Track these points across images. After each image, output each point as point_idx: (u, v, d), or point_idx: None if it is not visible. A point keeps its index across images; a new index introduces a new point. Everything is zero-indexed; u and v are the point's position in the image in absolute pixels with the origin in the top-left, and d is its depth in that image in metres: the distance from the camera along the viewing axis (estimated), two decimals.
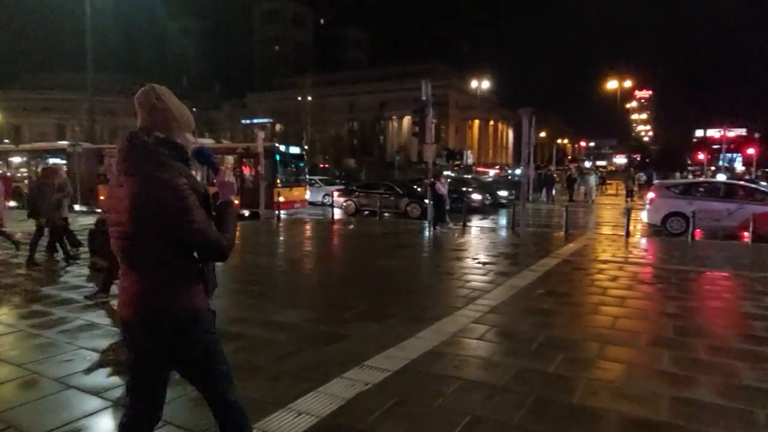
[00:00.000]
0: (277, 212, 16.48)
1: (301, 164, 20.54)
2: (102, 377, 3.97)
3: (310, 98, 60.15)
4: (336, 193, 20.86)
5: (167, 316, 2.02)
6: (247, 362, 4.24)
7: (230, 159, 19.38)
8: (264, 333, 5.03)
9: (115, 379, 3.88)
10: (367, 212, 18.92)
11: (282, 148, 18.95)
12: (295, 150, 20.23)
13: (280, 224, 15.38)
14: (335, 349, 4.58)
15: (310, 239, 12.32)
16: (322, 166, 52.99)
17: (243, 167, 18.77)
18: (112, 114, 66.26)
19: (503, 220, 17.71)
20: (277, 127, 64.06)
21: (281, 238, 13.01)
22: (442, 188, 13.80)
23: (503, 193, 23.24)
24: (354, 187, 21.32)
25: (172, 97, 2.15)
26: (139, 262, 2.03)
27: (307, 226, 15.05)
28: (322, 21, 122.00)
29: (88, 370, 4.08)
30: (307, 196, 20.24)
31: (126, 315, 2.07)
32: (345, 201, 19.81)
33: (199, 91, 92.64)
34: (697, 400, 3.59)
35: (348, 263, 9.87)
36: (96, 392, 3.66)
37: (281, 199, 17.24)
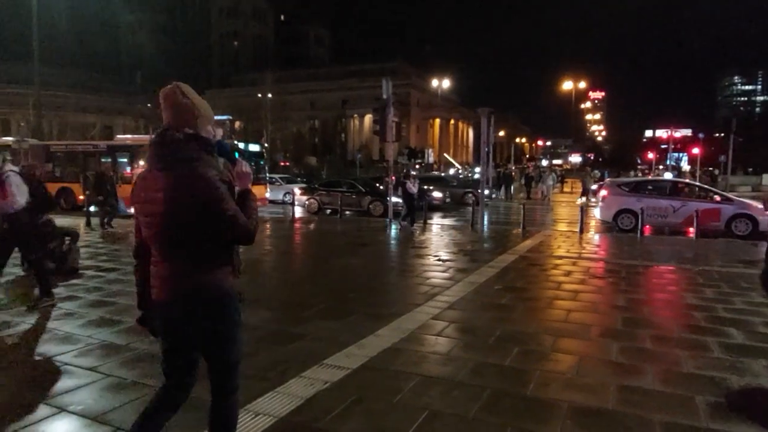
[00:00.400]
0: None
1: (262, 162, 20.26)
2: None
3: (270, 95, 59.29)
4: (298, 192, 20.68)
5: (200, 296, 2.23)
6: (202, 363, 4.15)
7: None
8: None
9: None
10: (329, 210, 18.85)
11: (241, 145, 18.65)
12: (254, 147, 19.95)
13: None
14: (293, 348, 4.55)
15: (269, 238, 12.16)
16: (282, 164, 52.35)
17: None
18: (61, 109, 63.36)
19: (463, 218, 17.98)
20: (237, 124, 62.82)
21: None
22: (413, 188, 14.04)
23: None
24: (317, 185, 21.19)
25: (194, 93, 2.30)
26: (173, 248, 2.21)
27: (267, 225, 14.84)
28: (282, 17, 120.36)
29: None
30: (268, 194, 19.97)
31: (163, 297, 2.25)
32: (308, 199, 19.67)
33: (155, 86, 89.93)
34: (642, 388, 3.76)
35: (308, 262, 9.81)
36: None
37: None
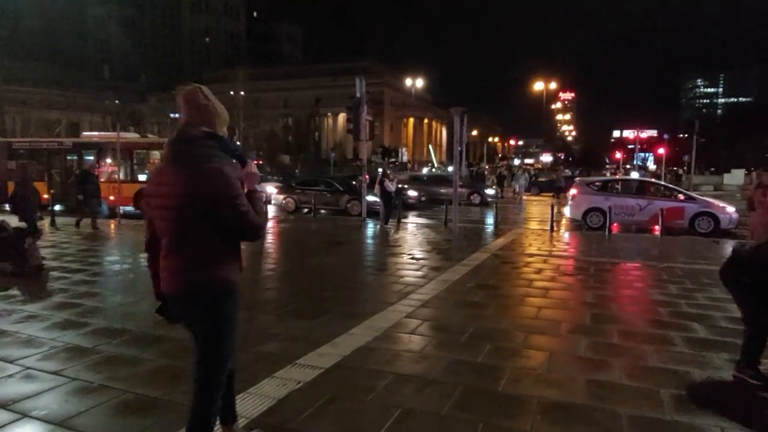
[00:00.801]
0: None
1: (234, 161, 19.96)
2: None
3: (243, 92, 58.51)
4: (274, 191, 20.41)
5: (208, 288, 2.31)
6: (171, 367, 4.09)
7: (157, 154, 18.53)
8: (191, 335, 4.85)
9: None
10: (306, 209, 18.61)
11: None
12: None
13: None
14: (266, 348, 4.51)
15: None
16: (255, 162, 51.65)
17: None
18: (25, 105, 61.22)
19: (437, 217, 18.09)
20: None
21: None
22: (391, 186, 14.07)
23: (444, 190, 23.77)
24: (293, 184, 20.92)
25: (213, 96, 2.44)
26: (184, 242, 2.29)
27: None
28: (255, 14, 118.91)
29: None
30: None
31: (172, 289, 2.34)
32: (284, 198, 19.43)
33: (123, 82, 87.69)
34: (609, 383, 3.86)
35: (280, 261, 9.71)
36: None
37: None
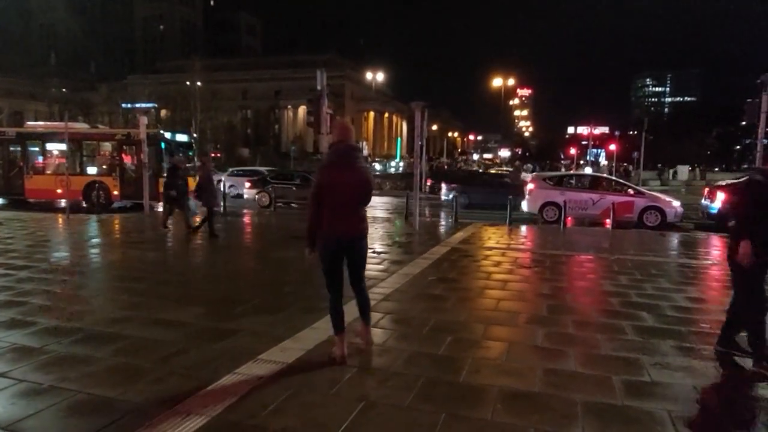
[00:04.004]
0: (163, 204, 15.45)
1: (191, 153, 19.43)
2: None
3: (199, 83, 56.76)
4: (247, 185, 19.79)
5: (363, 235, 4.06)
6: (128, 365, 3.97)
7: (108, 146, 17.82)
8: (148, 332, 4.72)
9: None
10: (280, 204, 18.14)
11: (168, 135, 17.77)
12: (182, 137, 19.06)
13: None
14: (226, 344, 4.43)
15: (200, 232, 11.71)
16: (213, 155, 50.44)
17: (123, 155, 17.35)
18: None
19: (397, 211, 18.19)
20: (163, 112, 59.68)
21: (169, 231, 12.23)
22: None
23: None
24: (268, 178, 20.26)
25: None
26: (357, 208, 3.99)
27: (197, 219, 14.28)
28: (211, 2, 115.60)
29: None
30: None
31: (353, 234, 3.96)
32: (258, 192, 18.85)
33: (72, 70, 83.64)
34: (565, 371, 4.00)
35: (241, 256, 9.55)
36: None
37: None
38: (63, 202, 14.45)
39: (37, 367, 3.89)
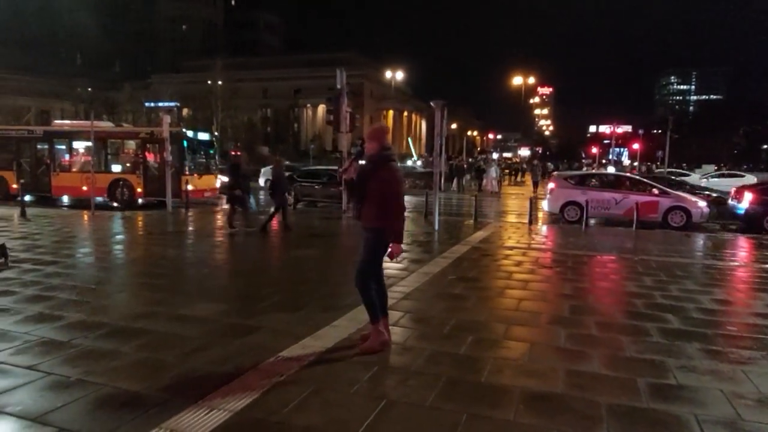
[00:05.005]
0: (185, 201, 15.69)
1: (212, 151, 19.66)
2: None
3: (220, 82, 57.38)
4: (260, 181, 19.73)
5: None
6: (152, 359, 4.03)
7: (132, 144, 18.13)
8: (171, 328, 4.79)
9: None
10: (303, 203, 18.11)
11: (190, 133, 18.01)
12: (204, 136, 19.31)
13: (189, 214, 14.66)
14: (248, 341, 4.47)
15: (221, 230, 11.85)
16: (234, 153, 50.96)
17: (147, 153, 17.63)
18: None
19: (417, 210, 18.13)
20: (185, 111, 60.49)
21: (190, 228, 12.41)
22: None
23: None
24: (294, 176, 20.16)
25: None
26: (378, 203, 4.13)
27: (218, 216, 14.46)
28: (233, 2, 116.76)
29: None
30: (218, 184, 19.42)
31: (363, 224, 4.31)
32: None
33: (96, 70, 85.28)
34: (588, 372, 3.94)
35: (262, 254, 9.63)
36: None
37: (189, 187, 16.41)
38: (86, 199, 14.73)
39: (65, 361, 3.97)
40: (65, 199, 18.92)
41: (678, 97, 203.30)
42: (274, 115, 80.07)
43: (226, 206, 13.22)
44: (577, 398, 3.49)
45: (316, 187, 17.91)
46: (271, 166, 12.60)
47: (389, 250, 4.25)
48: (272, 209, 11.65)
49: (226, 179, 13.59)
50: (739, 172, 35.79)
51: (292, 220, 11.57)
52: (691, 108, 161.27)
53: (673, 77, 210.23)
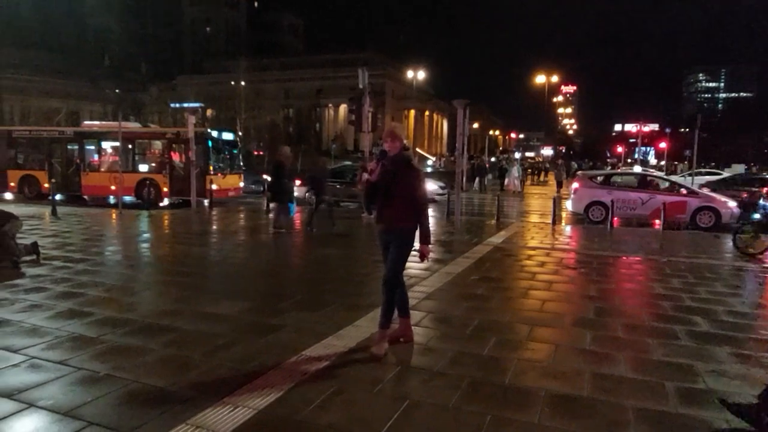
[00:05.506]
0: (209, 201, 15.93)
1: (235, 151, 19.90)
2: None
3: (244, 83, 58.13)
4: (298, 182, 19.90)
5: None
6: (178, 356, 4.10)
7: (158, 144, 18.47)
8: (197, 325, 4.87)
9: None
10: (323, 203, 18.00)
11: (214, 133, 18.26)
12: (228, 136, 19.54)
13: (213, 213, 14.87)
14: (271, 339, 4.51)
15: (245, 228, 12.00)
16: (256, 153, 51.52)
17: (172, 153, 17.93)
18: (23, 93, 60.78)
19: (439, 209, 18.06)
20: (209, 112, 61.46)
21: (214, 227, 12.59)
22: None
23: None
24: (316, 176, 20.00)
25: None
26: (407, 204, 4.22)
27: (242, 215, 14.64)
28: (255, 4, 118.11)
29: None
30: (242, 183, 19.66)
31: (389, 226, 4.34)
32: (307, 191, 18.90)
33: (124, 71, 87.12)
34: (615, 376, 3.86)
35: (284, 253, 9.71)
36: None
37: (214, 187, 16.65)
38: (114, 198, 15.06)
39: (94, 356, 4.06)
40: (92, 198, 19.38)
41: (706, 95, 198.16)
42: (296, 115, 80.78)
43: (271, 207, 13.13)
44: (604, 402, 3.43)
45: (336, 186, 17.92)
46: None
47: (419, 251, 4.36)
48: (321, 206, 11.79)
49: (268, 178, 13.51)
50: (716, 170, 35.24)
51: (315, 220, 11.61)
52: (720, 106, 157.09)
53: (701, 74, 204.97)
